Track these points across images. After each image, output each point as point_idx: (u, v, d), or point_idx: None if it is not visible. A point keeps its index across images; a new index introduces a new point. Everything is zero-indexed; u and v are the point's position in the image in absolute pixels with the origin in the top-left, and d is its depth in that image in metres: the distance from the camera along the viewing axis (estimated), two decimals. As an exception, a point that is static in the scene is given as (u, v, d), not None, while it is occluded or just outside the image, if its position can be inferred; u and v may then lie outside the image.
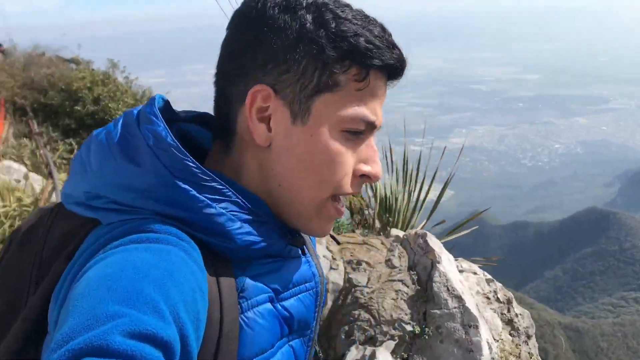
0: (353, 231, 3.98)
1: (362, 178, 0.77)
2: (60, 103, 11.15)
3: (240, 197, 0.70)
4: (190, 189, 0.65)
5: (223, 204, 0.68)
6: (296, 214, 0.76)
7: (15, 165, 8.24)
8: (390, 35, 0.73)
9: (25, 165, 9.01)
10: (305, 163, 0.72)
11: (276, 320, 0.74)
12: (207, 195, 0.66)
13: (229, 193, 0.69)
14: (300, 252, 0.83)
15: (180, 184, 0.65)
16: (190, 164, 0.66)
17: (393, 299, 2.85)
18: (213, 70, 0.79)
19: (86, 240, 0.66)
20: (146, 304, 0.51)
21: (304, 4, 0.71)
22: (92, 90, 11.10)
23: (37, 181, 8.13)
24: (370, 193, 4.57)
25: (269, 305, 0.73)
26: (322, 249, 3.32)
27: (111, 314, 0.49)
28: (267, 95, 0.72)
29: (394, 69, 0.74)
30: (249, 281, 0.71)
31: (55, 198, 7.92)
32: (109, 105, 10.84)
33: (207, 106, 0.84)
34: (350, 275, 3.07)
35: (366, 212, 4.50)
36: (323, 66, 0.70)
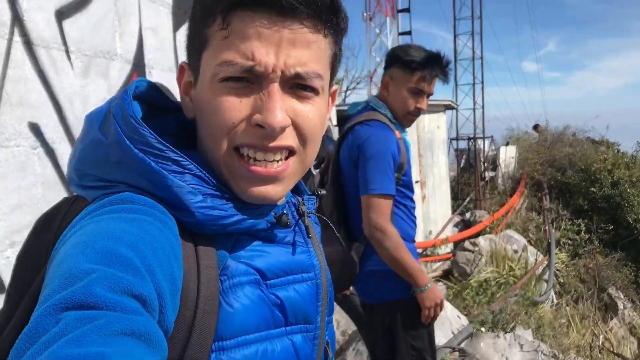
0: None
1: (260, 129, 0.69)
2: (576, 183, 11.04)
3: (203, 171, 0.69)
4: (148, 159, 0.65)
5: (185, 177, 0.67)
6: (222, 180, 0.73)
7: (517, 235, 8.55)
8: None
9: (528, 237, 9.21)
10: (201, 120, 0.72)
11: (264, 304, 0.71)
12: (165, 166, 0.66)
13: (190, 166, 0.68)
14: (301, 240, 0.80)
15: (139, 154, 0.65)
16: (146, 133, 0.66)
17: None
18: None
19: None
20: (121, 262, 0.52)
21: None
22: (613, 173, 10.46)
23: (533, 254, 8.17)
24: None
25: (255, 288, 0.71)
26: None
27: (87, 270, 0.50)
28: (187, 70, 0.77)
29: (267, 1, 0.66)
30: (232, 260, 0.70)
31: (548, 276, 7.74)
32: (628, 190, 9.93)
33: None
34: None
35: None
36: (197, 28, 0.72)
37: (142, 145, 0.65)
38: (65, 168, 1.82)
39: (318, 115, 0.73)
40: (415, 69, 2.15)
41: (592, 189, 10.44)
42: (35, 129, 1.72)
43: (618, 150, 12.07)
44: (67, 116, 1.85)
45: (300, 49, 0.69)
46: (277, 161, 0.71)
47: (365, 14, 16.36)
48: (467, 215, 10.83)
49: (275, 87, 0.68)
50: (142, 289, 0.51)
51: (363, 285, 2.31)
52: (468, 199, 12.11)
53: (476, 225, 9.64)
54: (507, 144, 14.43)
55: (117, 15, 2.16)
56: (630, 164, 10.77)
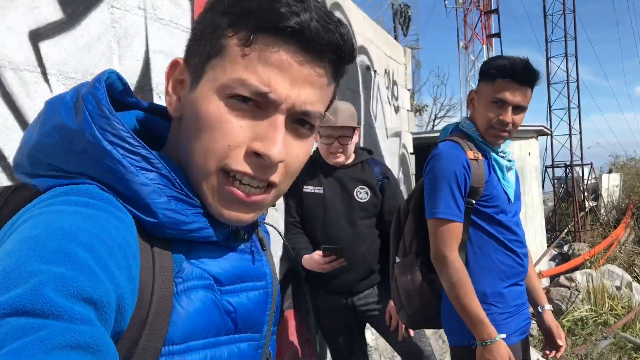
0: None
1: (256, 157, 0.68)
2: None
3: (171, 173, 0.68)
4: (116, 151, 0.64)
5: (151, 175, 0.66)
6: (197, 191, 0.71)
7: (619, 271, 7.85)
8: (321, 12, 0.68)
9: (634, 273, 8.42)
10: (193, 128, 0.70)
11: (216, 309, 0.71)
12: (132, 161, 0.65)
13: (159, 165, 0.67)
14: (254, 249, 0.81)
15: (107, 145, 0.64)
16: (119, 125, 0.65)
17: None
18: None
19: None
20: (74, 263, 0.51)
21: None
22: None
23: (639, 292, 7.42)
24: None
25: (208, 292, 0.70)
26: None
27: (36, 272, 0.48)
28: (182, 67, 0.74)
29: (299, 35, 0.66)
30: (187, 264, 0.69)
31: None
32: None
33: None
34: None
35: None
36: (213, 32, 0.70)
37: (113, 137, 0.64)
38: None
39: (305, 155, 0.75)
40: (494, 77, 1.88)
41: None
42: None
43: None
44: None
45: (313, 88, 0.70)
46: (260, 188, 0.71)
47: (461, 43, 16.41)
48: (565, 248, 10.11)
49: (281, 119, 0.69)
50: (95, 292, 0.50)
51: (445, 324, 2.02)
52: (566, 230, 11.29)
53: (574, 259, 8.97)
54: (610, 172, 13.31)
55: (115, 37, 2.14)
56: None
